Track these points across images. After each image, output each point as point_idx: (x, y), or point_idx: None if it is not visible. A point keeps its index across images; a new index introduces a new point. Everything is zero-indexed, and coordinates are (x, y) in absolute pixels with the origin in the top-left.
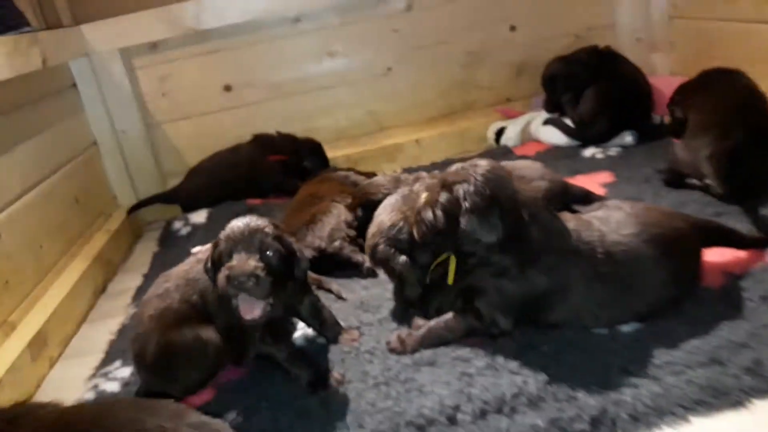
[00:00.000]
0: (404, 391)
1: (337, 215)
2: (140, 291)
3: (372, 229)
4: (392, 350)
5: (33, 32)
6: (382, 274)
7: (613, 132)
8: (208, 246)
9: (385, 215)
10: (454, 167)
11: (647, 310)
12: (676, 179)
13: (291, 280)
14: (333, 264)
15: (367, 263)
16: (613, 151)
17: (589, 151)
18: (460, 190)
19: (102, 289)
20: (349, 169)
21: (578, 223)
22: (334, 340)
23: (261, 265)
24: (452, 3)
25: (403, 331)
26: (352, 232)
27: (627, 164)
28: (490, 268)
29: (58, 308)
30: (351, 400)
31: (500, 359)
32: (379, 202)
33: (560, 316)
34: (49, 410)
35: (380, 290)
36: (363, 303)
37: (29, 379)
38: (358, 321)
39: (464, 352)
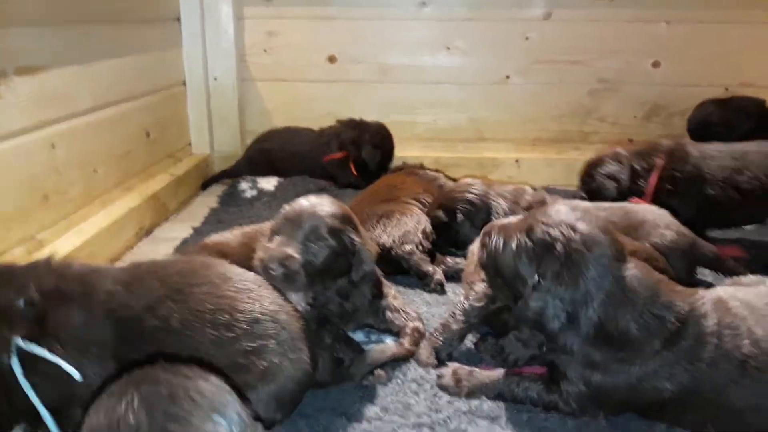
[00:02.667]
0: None
1: (417, 221)
2: (185, 242)
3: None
4: (443, 387)
5: None
6: (450, 293)
7: None
8: None
9: None
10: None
11: None
12: None
13: (347, 281)
14: (396, 268)
15: (438, 276)
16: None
17: None
18: (546, 251)
19: (147, 232)
20: (437, 171)
21: (713, 305)
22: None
23: (297, 256)
24: (595, 21)
25: (462, 367)
26: (427, 244)
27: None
28: (574, 357)
29: (93, 239)
30: None
31: None
32: (464, 207)
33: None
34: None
35: (443, 311)
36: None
37: None
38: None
39: (539, 417)
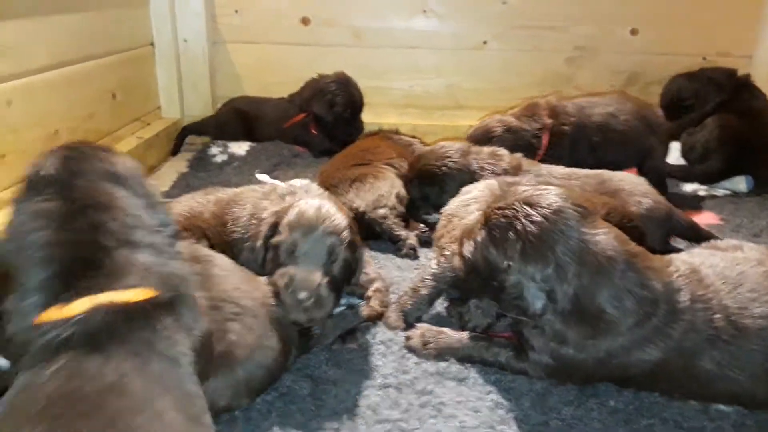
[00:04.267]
0: (418, 405)
1: (391, 184)
2: None
3: (450, 210)
4: (411, 348)
5: None
6: (423, 259)
7: (726, 173)
8: (274, 183)
9: (474, 206)
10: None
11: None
12: None
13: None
14: (369, 232)
15: (410, 241)
16: (719, 192)
17: (690, 186)
18: (506, 234)
19: None
20: (413, 137)
21: (687, 279)
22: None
23: (325, 280)
24: None
25: (431, 329)
26: (401, 208)
27: (736, 211)
28: (544, 332)
29: None
30: (348, 398)
31: (553, 400)
32: (440, 176)
33: (644, 383)
34: None
35: (415, 275)
36: (392, 285)
37: None
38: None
39: (507, 378)
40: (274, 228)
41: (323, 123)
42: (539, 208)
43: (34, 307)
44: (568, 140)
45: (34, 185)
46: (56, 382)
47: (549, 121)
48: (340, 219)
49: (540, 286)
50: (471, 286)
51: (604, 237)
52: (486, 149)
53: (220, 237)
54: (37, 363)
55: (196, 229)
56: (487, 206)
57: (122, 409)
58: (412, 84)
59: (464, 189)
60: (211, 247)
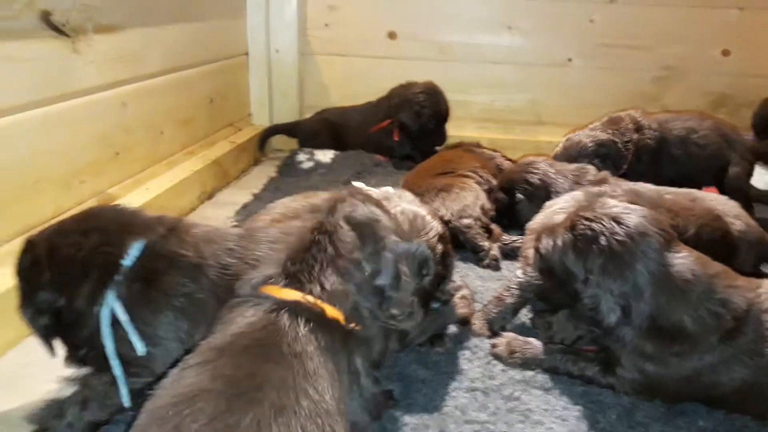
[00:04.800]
0: (506, 410)
1: (476, 195)
2: (246, 207)
3: (536, 225)
4: (496, 356)
5: None
6: (505, 270)
7: None
8: (370, 190)
9: (563, 210)
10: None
11: None
12: None
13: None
14: (452, 241)
15: (493, 252)
16: None
17: None
18: (590, 246)
19: (209, 196)
20: (495, 151)
21: None
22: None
23: (415, 298)
24: (663, 6)
25: (517, 338)
26: (486, 220)
27: None
28: (625, 346)
29: (160, 196)
30: (437, 397)
31: (640, 415)
32: (528, 189)
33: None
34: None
35: (497, 286)
36: (474, 294)
37: None
38: None
39: (593, 390)
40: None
41: (408, 131)
42: (625, 227)
43: (262, 279)
44: (651, 154)
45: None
46: (259, 329)
47: (636, 135)
48: (435, 230)
49: (616, 300)
50: (543, 286)
51: (684, 261)
52: (572, 165)
53: None
54: (244, 309)
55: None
56: (574, 212)
57: (301, 371)
58: (494, 98)
59: (548, 203)
60: None
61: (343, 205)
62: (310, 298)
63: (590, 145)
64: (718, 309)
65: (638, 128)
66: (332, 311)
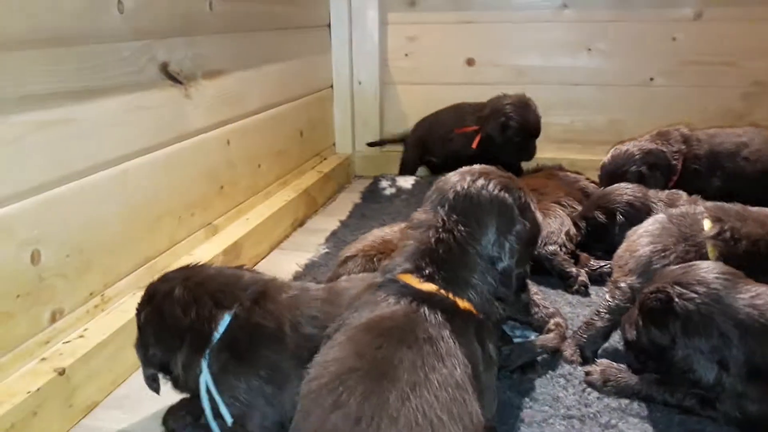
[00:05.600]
0: None
1: (561, 222)
2: (334, 234)
3: (624, 252)
4: (591, 384)
5: None
6: (593, 296)
7: None
8: None
9: (645, 239)
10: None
11: None
12: None
13: None
14: (538, 268)
15: (582, 278)
16: None
17: None
18: (664, 315)
19: (301, 223)
20: (578, 173)
21: None
22: (539, 329)
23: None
24: (751, 21)
25: (611, 365)
26: (571, 246)
27: None
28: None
29: (258, 226)
30: (534, 423)
31: None
32: (624, 209)
33: None
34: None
35: (586, 312)
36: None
37: None
38: None
39: (692, 420)
40: None
41: (492, 143)
42: (690, 285)
43: (400, 268)
44: (700, 166)
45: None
46: (401, 316)
47: (683, 146)
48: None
49: (709, 357)
50: (643, 364)
51: (756, 298)
52: (665, 192)
53: None
54: (387, 297)
55: (388, 252)
56: (641, 294)
57: (431, 352)
58: (573, 119)
59: (631, 230)
60: None
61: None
62: (443, 291)
63: (637, 153)
64: None
65: (685, 141)
66: (463, 303)
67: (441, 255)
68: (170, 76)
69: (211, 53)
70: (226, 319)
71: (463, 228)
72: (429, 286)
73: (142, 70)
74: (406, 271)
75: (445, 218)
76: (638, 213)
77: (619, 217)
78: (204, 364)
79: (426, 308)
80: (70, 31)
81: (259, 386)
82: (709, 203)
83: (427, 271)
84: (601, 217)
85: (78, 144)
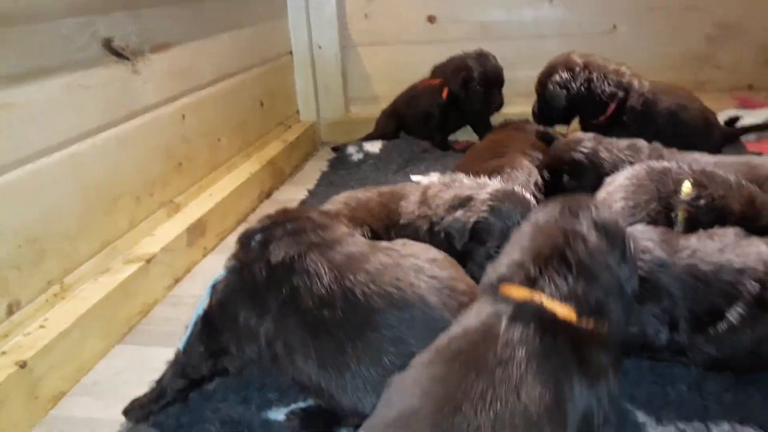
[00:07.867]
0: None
1: (528, 173)
2: (303, 204)
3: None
4: None
5: None
6: None
7: None
8: (429, 178)
9: (619, 194)
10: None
11: None
12: None
13: None
14: None
15: None
16: None
17: None
18: None
19: (267, 195)
20: (545, 125)
21: None
22: None
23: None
24: None
25: None
26: (540, 197)
27: None
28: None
29: (223, 201)
30: None
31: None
32: (573, 165)
33: None
34: None
35: None
36: None
37: (181, 263)
38: None
39: (661, 365)
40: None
41: (458, 101)
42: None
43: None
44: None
45: None
46: (475, 332)
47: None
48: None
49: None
50: None
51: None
52: (624, 142)
53: (383, 223)
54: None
55: (360, 217)
56: None
57: (505, 379)
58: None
59: (608, 180)
60: (373, 232)
61: (585, 210)
62: (538, 297)
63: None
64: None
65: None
66: (564, 311)
67: (556, 261)
68: (115, 52)
69: (158, 26)
70: None
71: None
72: (522, 292)
73: (84, 48)
74: (502, 278)
75: None
76: (587, 171)
77: (565, 177)
78: None
79: (505, 320)
80: (2, 11)
81: None
82: (686, 156)
83: (530, 277)
84: (547, 176)
85: (21, 129)
